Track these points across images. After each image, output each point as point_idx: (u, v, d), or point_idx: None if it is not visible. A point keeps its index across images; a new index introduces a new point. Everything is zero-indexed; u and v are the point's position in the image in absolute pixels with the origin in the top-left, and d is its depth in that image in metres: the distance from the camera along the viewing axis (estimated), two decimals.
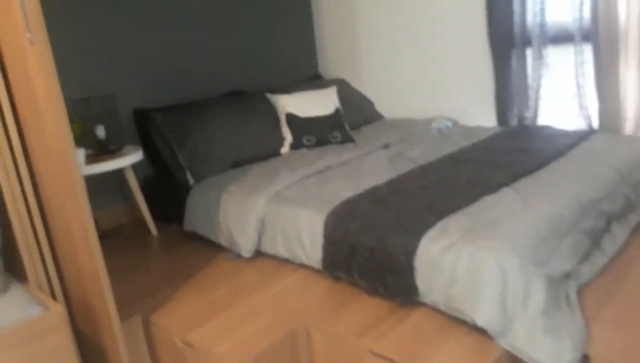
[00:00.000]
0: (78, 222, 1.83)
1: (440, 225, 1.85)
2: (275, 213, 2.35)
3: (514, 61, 3.23)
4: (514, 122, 3.30)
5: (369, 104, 3.97)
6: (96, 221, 3.00)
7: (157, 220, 3.05)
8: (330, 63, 4.19)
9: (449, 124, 3.46)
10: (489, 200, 2.03)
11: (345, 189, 2.35)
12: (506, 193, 2.09)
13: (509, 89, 3.28)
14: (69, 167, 1.75)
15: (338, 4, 3.99)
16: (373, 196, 2.19)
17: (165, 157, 3.00)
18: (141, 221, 3.10)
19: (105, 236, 2.99)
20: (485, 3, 3.23)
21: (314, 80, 3.93)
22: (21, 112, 1.87)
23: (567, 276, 1.75)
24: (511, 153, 2.59)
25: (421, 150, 2.92)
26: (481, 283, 1.65)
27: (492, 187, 2.13)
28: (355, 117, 3.70)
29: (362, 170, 2.64)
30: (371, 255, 1.89)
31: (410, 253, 1.79)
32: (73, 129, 2.50)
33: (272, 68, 3.91)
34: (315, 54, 4.23)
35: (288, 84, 3.82)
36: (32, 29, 1.61)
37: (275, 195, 2.43)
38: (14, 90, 1.85)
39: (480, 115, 3.46)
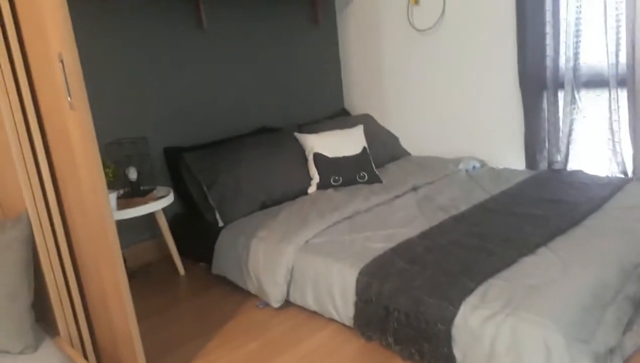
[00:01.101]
0: (111, 280, 1.83)
1: (479, 291, 1.81)
2: (305, 264, 2.32)
3: (545, 104, 3.18)
4: (543, 165, 3.25)
5: (395, 140, 3.95)
6: (125, 259, 3.02)
7: (184, 257, 3.05)
8: (356, 98, 4.18)
9: (477, 164, 3.41)
10: (527, 262, 1.98)
11: (376, 241, 2.32)
12: (544, 254, 2.04)
13: (540, 131, 3.23)
14: (104, 226, 1.75)
15: (365, 40, 3.99)
16: (406, 252, 2.16)
17: (194, 196, 3.00)
18: (169, 258, 3.11)
19: (133, 275, 2.99)
20: (517, 46, 3.20)
21: (340, 117, 3.92)
22: (58, 167, 1.87)
23: (611, 350, 1.69)
24: (544, 205, 2.53)
25: (451, 195, 2.89)
26: (523, 359, 1.60)
27: (529, 246, 2.08)
28: (380, 153, 3.67)
29: (392, 218, 2.61)
30: (407, 320, 1.85)
31: (449, 321, 1.75)
32: (106, 174, 2.51)
33: (299, 104, 3.91)
34: (342, 89, 4.22)
35: (315, 121, 3.82)
36: (73, 94, 1.62)
37: (304, 245, 2.41)
38: (52, 146, 1.86)
39: (509, 156, 3.41)
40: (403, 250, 2.18)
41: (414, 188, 3.08)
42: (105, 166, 2.58)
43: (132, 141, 2.81)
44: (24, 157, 1.80)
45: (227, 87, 3.47)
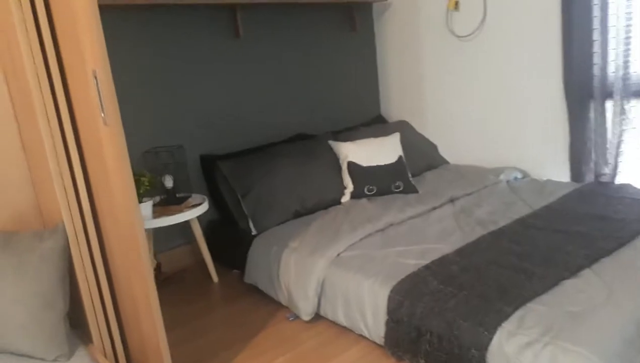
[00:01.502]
0: (141, 291, 1.84)
1: (516, 316, 1.73)
2: (336, 278, 2.29)
3: (592, 114, 3.04)
4: (589, 177, 3.10)
5: (432, 147, 3.86)
6: (159, 265, 3.06)
7: (218, 263, 3.08)
8: (393, 104, 4.11)
9: (519, 175, 3.29)
10: (568, 286, 1.88)
11: (410, 257, 2.26)
12: (587, 277, 1.93)
13: (586, 142, 3.08)
14: (135, 238, 1.76)
15: (402, 46, 3.91)
16: (441, 270, 2.09)
17: (229, 204, 3.01)
18: (202, 264, 3.14)
19: (168, 280, 3.02)
20: (562, 53, 3.07)
21: (376, 124, 3.86)
22: (92, 180, 1.90)
23: None
24: (590, 222, 2.41)
25: (490, 208, 2.79)
26: None
27: (571, 268, 1.98)
28: (417, 162, 3.60)
29: (427, 232, 2.54)
30: (439, 343, 1.79)
31: (483, 347, 1.68)
32: (142, 183, 2.54)
33: (335, 110, 3.88)
34: (378, 95, 4.16)
35: (350, 127, 3.78)
36: (106, 110, 1.63)
37: (336, 259, 2.37)
38: (87, 158, 1.89)
39: (553, 167, 3.27)
40: (437, 268, 2.12)
41: (452, 200, 2.99)
42: (142, 174, 2.61)
43: (168, 149, 2.85)
44: (60, 170, 1.84)
45: (263, 94, 3.47)
